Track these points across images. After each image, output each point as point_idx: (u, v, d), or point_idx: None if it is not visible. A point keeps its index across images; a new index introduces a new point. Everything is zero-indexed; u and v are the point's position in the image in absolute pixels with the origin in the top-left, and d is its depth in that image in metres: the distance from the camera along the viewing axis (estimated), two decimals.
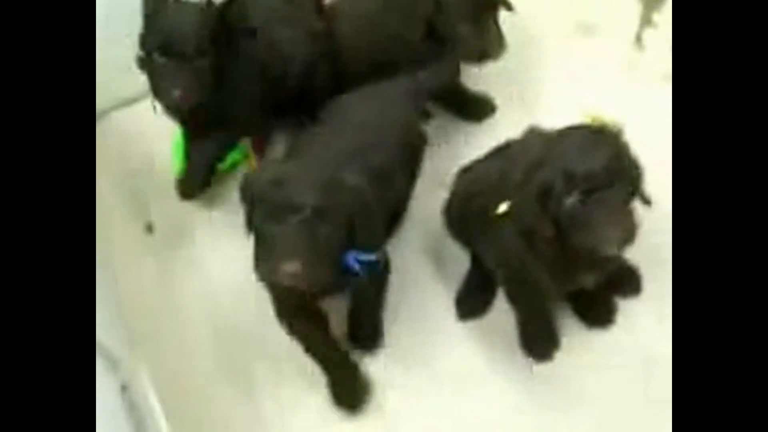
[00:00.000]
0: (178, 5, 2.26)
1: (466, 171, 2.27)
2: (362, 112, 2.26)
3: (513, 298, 2.17)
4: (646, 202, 1.91)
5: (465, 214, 2.21)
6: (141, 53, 2.26)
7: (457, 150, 2.48)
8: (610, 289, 2.23)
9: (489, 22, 2.34)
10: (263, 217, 1.87)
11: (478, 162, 2.25)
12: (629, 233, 1.83)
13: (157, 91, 2.27)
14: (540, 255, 1.96)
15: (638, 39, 2.70)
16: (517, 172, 1.89)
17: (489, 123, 2.58)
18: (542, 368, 2.19)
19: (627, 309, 2.24)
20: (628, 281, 2.26)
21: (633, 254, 2.20)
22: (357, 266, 1.97)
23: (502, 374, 2.20)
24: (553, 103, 2.55)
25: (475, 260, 2.30)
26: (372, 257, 1.99)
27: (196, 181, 2.52)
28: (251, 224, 1.92)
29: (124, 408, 1.95)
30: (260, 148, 2.63)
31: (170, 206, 2.56)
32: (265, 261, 1.87)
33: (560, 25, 2.77)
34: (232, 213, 2.28)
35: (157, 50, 2.21)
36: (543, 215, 1.86)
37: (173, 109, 2.37)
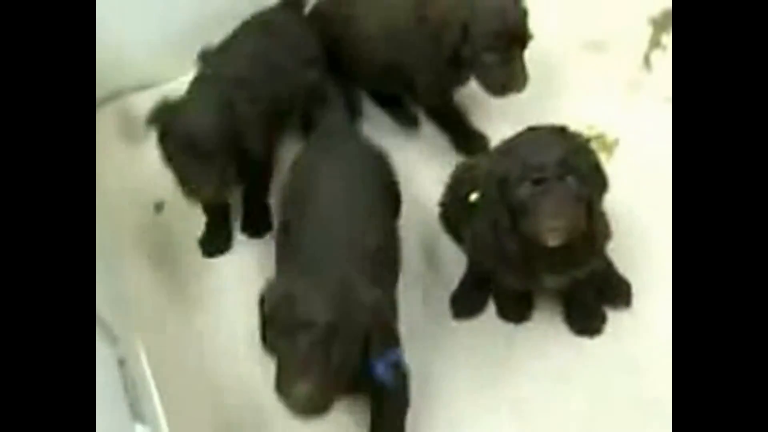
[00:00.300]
0: (194, 104, 2.27)
1: (459, 166, 2.35)
2: (343, 191, 2.15)
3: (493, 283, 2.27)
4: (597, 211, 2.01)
5: (453, 204, 2.28)
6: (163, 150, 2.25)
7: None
8: (601, 299, 2.29)
9: (515, 56, 2.34)
10: (276, 335, 1.80)
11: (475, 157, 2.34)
12: (571, 226, 1.91)
13: (186, 188, 2.25)
14: (504, 250, 2.03)
15: (646, 60, 2.74)
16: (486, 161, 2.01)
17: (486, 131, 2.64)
18: (543, 366, 2.24)
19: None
20: (618, 293, 2.31)
21: (634, 270, 2.32)
22: (385, 372, 1.89)
23: (501, 377, 2.25)
24: (553, 117, 2.56)
25: (471, 261, 2.35)
26: (396, 356, 1.93)
27: (221, 241, 2.54)
28: (266, 340, 1.86)
29: (121, 381, 2.01)
30: None
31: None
32: (278, 381, 1.78)
33: (568, 41, 2.81)
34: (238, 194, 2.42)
35: (181, 150, 2.21)
36: (501, 202, 1.95)
37: (204, 203, 2.42)
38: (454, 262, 2.39)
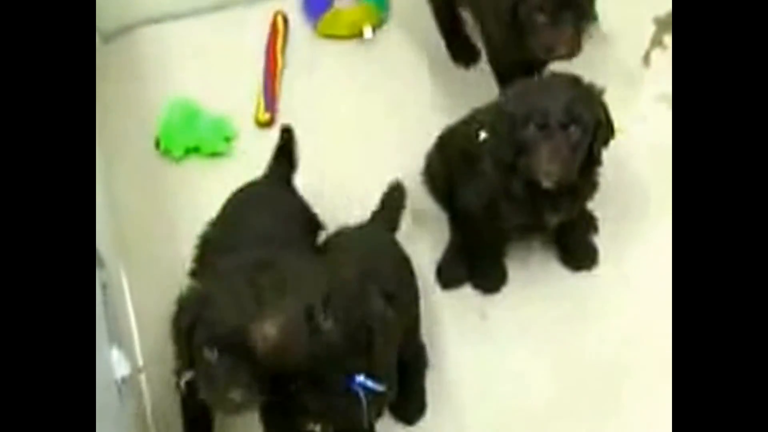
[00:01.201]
0: (226, 291, 1.81)
1: (446, 129, 2.42)
2: (359, 245, 2.18)
3: (472, 234, 2.36)
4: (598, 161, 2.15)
5: (445, 163, 2.37)
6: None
7: None
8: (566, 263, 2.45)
9: (565, 20, 2.31)
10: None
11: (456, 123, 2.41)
12: (565, 173, 2.07)
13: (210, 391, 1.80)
14: (511, 190, 2.16)
15: (646, 57, 2.80)
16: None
17: None
18: (542, 366, 2.34)
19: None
20: (584, 256, 2.46)
21: (633, 267, 2.43)
22: (360, 391, 1.82)
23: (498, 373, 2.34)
24: None
25: (455, 229, 2.44)
26: (379, 387, 1.83)
27: None
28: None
29: (102, 304, 2.08)
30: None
31: None
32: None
33: None
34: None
35: (208, 344, 1.77)
36: (507, 139, 2.08)
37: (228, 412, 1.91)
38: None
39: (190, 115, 2.68)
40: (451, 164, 2.34)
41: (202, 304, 1.78)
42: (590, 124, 2.07)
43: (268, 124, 2.71)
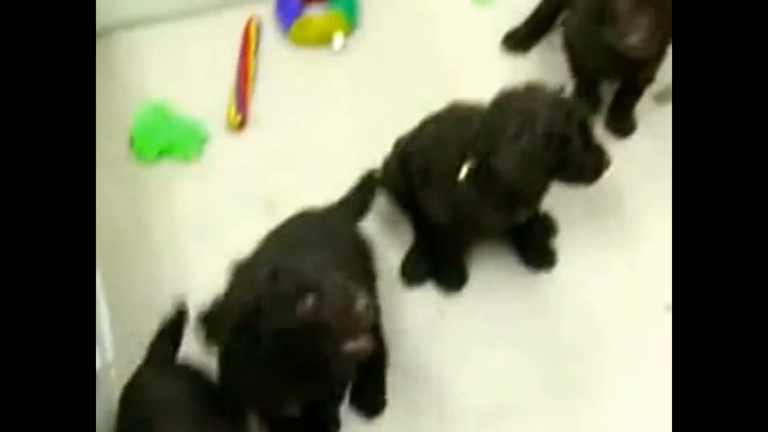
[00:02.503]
0: None
1: (401, 141, 2.48)
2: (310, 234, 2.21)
3: (435, 238, 2.44)
4: None
5: (405, 173, 2.42)
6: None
7: None
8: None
9: (644, 11, 2.32)
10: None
11: (411, 131, 2.46)
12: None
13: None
14: (489, 199, 2.23)
15: None
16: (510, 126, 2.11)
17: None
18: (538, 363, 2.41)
19: None
20: (549, 225, 2.55)
21: (632, 265, 2.51)
22: None
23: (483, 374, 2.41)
24: None
25: (418, 226, 2.51)
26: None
27: None
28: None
29: None
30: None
31: None
32: None
33: None
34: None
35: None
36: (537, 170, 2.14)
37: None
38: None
39: (162, 117, 2.74)
40: (412, 176, 2.40)
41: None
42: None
43: (239, 127, 2.78)
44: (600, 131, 2.31)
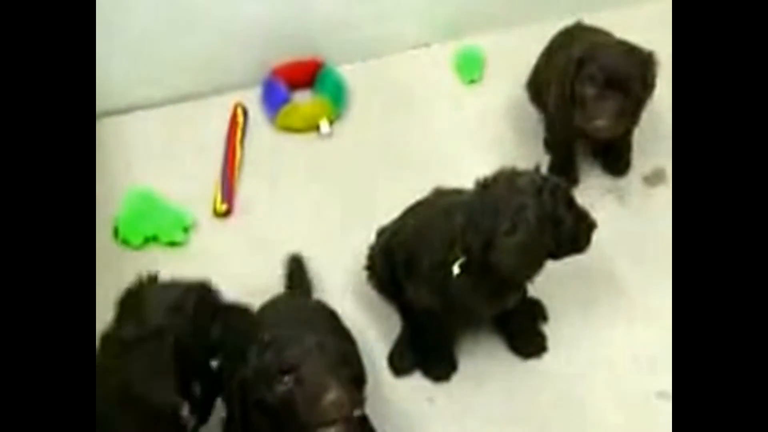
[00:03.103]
0: None
1: (383, 231, 2.50)
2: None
3: (422, 325, 2.41)
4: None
5: (389, 267, 2.43)
6: None
7: None
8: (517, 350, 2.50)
9: (612, 97, 2.46)
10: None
11: (393, 222, 2.48)
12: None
13: None
14: (482, 290, 2.22)
15: None
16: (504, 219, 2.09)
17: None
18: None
19: None
20: (539, 311, 2.54)
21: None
22: None
23: None
24: None
25: (405, 316, 2.49)
26: None
27: None
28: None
29: None
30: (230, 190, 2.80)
31: None
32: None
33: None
34: None
35: None
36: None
37: None
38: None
39: (148, 204, 2.73)
40: (396, 268, 2.40)
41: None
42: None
43: (225, 215, 2.77)
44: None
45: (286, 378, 1.84)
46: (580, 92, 2.49)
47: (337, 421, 1.84)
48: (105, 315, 2.46)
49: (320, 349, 1.90)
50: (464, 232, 2.15)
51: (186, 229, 2.72)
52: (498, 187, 2.14)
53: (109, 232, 2.70)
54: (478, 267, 2.16)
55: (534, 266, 2.17)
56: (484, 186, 2.16)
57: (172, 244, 2.70)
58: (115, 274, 2.59)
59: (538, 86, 2.84)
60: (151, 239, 2.70)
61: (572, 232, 2.15)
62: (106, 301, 2.52)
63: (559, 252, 2.17)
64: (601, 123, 2.47)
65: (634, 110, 2.53)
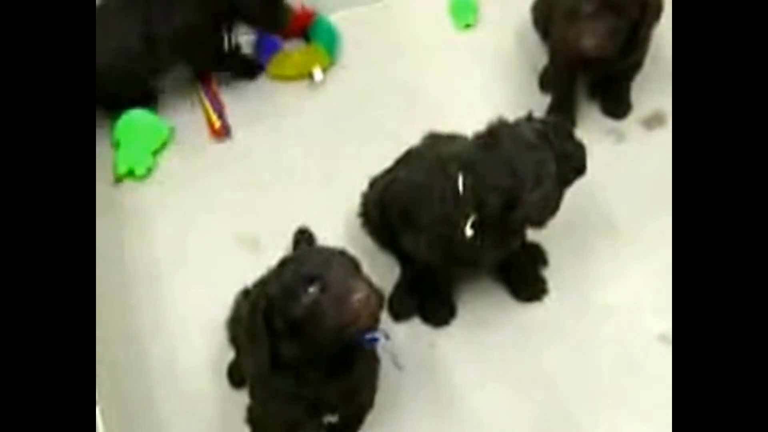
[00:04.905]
0: None
1: (375, 181, 2.49)
2: None
3: (420, 274, 2.43)
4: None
5: (384, 220, 2.43)
6: None
7: None
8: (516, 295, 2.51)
9: (604, 17, 2.44)
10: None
11: (385, 171, 2.47)
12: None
13: None
14: (489, 240, 2.22)
15: None
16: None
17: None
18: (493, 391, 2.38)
19: None
20: (539, 255, 2.55)
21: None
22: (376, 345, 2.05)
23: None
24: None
25: (403, 263, 2.49)
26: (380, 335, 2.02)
27: None
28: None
29: None
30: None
31: None
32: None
33: None
34: None
35: None
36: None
37: None
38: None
39: (139, 124, 2.78)
40: (391, 221, 2.40)
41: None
42: None
43: (222, 134, 2.81)
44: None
45: (312, 288, 1.86)
46: (576, 8, 2.46)
47: (367, 317, 1.88)
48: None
49: (340, 256, 1.93)
50: (475, 190, 2.13)
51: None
52: (503, 143, 2.12)
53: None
54: (493, 223, 2.15)
55: (556, 209, 2.16)
56: (486, 144, 2.14)
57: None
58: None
59: (543, 7, 2.83)
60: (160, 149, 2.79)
61: (581, 161, 2.19)
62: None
63: (567, 181, 2.19)
64: (591, 41, 2.44)
65: (630, 36, 2.48)
